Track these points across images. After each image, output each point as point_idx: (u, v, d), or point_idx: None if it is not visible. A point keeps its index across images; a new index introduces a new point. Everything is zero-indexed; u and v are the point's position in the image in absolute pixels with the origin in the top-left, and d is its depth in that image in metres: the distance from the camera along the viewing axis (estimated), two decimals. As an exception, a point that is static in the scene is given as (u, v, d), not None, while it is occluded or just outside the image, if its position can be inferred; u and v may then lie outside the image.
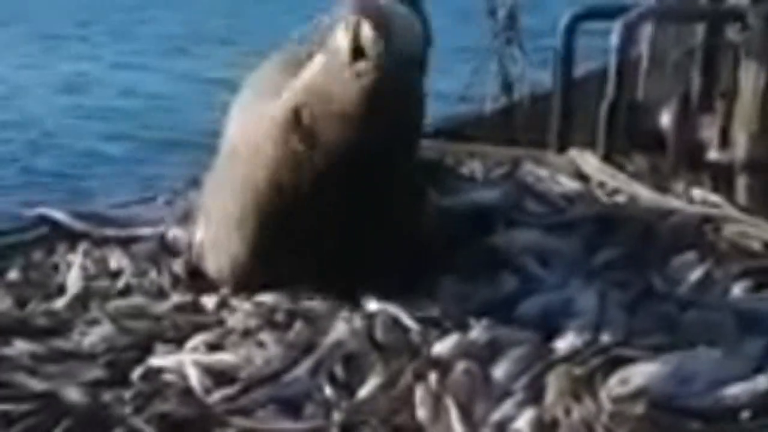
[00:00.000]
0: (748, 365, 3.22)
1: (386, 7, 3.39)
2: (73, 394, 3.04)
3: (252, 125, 3.82)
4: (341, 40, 3.35)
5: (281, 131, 3.58)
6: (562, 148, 5.57)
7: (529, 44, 7.32)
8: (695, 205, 4.64)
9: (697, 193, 4.80)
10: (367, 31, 3.29)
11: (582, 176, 5.04)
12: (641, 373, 3.09)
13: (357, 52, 3.31)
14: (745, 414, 3.00)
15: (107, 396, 3.05)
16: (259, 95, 4.02)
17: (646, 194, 4.75)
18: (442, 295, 3.68)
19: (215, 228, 3.87)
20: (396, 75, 3.34)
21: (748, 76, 5.15)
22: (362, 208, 3.54)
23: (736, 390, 3.09)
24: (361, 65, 3.31)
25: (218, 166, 4.08)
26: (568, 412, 2.93)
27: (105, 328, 3.49)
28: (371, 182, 3.52)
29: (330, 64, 3.45)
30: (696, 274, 3.85)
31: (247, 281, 3.71)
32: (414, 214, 3.78)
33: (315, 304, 3.56)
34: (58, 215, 4.54)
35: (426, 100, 3.69)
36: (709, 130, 5.28)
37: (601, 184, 4.92)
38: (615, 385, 3.05)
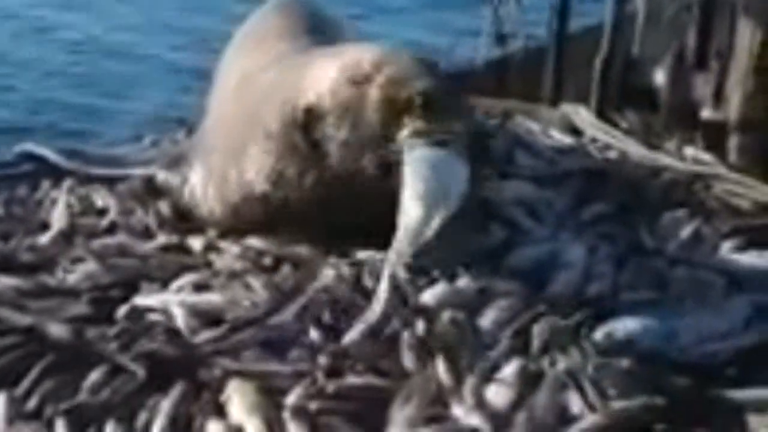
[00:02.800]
0: (734, 322, 3.23)
1: None
2: (57, 329, 3.03)
3: (250, 91, 3.75)
4: None
5: (285, 125, 3.49)
6: (555, 102, 5.53)
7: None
8: (686, 162, 4.62)
9: (689, 151, 4.79)
10: None
11: (574, 130, 5.01)
12: (627, 326, 3.09)
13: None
14: (730, 369, 3.01)
15: (91, 333, 3.04)
16: (258, 51, 3.98)
17: (637, 150, 4.73)
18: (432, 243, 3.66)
19: (211, 174, 3.81)
20: None
21: (744, 35, 5.09)
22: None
23: (721, 345, 3.11)
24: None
25: (215, 111, 4.02)
26: (553, 363, 2.93)
27: (90, 266, 3.48)
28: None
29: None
30: (685, 231, 3.85)
31: (240, 228, 3.68)
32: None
33: (303, 250, 3.54)
34: (43, 151, 4.49)
35: None
36: (703, 89, 5.23)
37: (593, 139, 4.90)
38: (601, 337, 3.05)
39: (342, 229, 3.51)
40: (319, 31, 4.06)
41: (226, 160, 3.71)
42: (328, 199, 3.47)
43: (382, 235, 3.19)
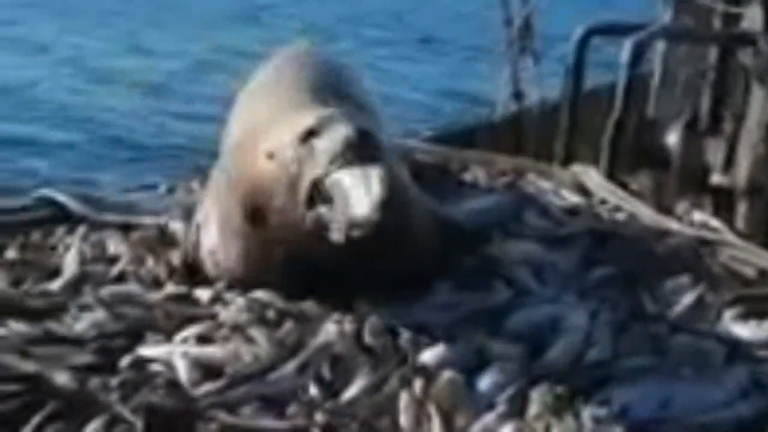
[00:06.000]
0: (732, 392, 3.23)
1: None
2: (61, 377, 3.07)
3: (248, 161, 3.76)
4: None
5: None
6: (567, 161, 5.58)
7: (540, 49, 7.29)
8: (694, 227, 4.64)
9: (697, 215, 4.81)
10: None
11: (584, 191, 5.05)
12: (623, 393, 3.11)
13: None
14: (725, 441, 3.02)
15: (94, 382, 3.08)
16: (261, 101, 4.06)
17: (646, 213, 4.76)
18: (434, 302, 3.71)
19: (214, 231, 3.88)
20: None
21: (756, 101, 5.15)
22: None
23: (717, 416, 3.12)
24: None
25: (221, 169, 4.09)
26: (548, 428, 2.94)
27: (97, 314, 3.52)
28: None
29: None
30: (688, 298, 3.86)
31: (236, 277, 3.74)
32: (409, 222, 3.78)
33: (307, 305, 3.58)
34: (60, 197, 4.57)
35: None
36: (714, 153, 5.28)
37: (603, 201, 4.93)
38: (597, 404, 3.06)
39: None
40: (330, 86, 4.13)
41: (225, 214, 3.78)
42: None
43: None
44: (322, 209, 3.36)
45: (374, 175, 3.28)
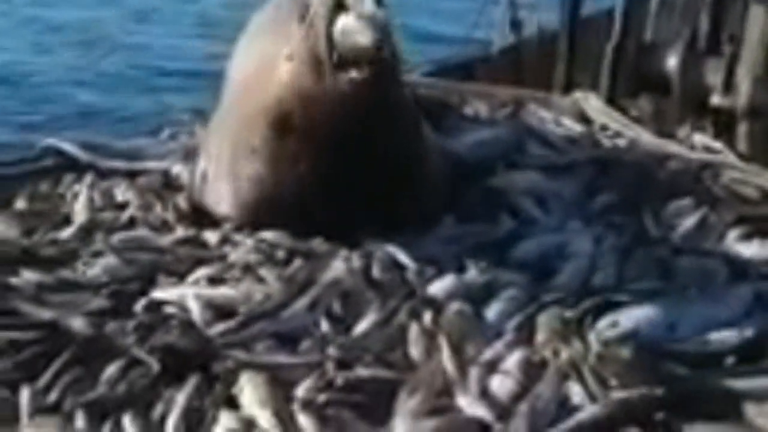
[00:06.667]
0: (737, 311, 3.28)
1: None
2: (77, 323, 3.13)
3: (255, 80, 3.86)
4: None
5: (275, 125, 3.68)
6: (567, 90, 5.57)
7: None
8: (695, 150, 4.66)
9: (698, 138, 4.83)
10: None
11: (585, 119, 5.06)
12: (630, 316, 3.16)
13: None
14: (730, 359, 3.07)
15: (110, 326, 3.14)
16: (267, 36, 4.04)
17: (647, 138, 4.78)
18: (440, 235, 3.75)
19: (216, 164, 3.92)
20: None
21: (756, 21, 5.11)
22: (362, 157, 3.59)
23: (722, 335, 3.16)
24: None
25: (222, 104, 4.11)
26: (556, 353, 3.00)
27: (109, 260, 3.57)
28: (368, 142, 3.60)
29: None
30: (691, 220, 3.91)
31: (245, 218, 3.78)
32: (413, 156, 3.82)
33: (315, 243, 3.63)
34: (65, 146, 4.60)
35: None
36: (714, 75, 5.25)
37: (604, 127, 4.94)
38: (604, 328, 3.12)
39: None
40: None
41: (235, 150, 3.81)
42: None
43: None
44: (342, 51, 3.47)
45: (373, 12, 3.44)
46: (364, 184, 3.62)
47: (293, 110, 3.65)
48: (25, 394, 2.80)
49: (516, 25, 6.84)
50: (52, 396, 2.81)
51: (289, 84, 3.65)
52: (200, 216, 3.96)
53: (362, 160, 3.60)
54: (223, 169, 3.91)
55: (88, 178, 4.32)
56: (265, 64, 3.82)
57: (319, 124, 3.61)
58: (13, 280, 3.40)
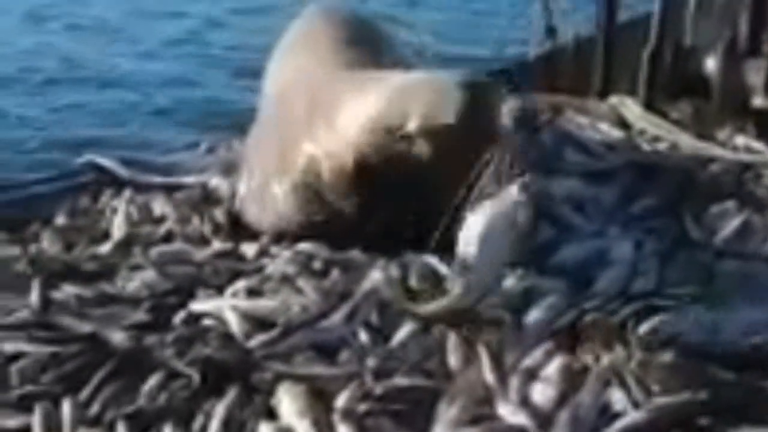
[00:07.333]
0: (780, 314, 3.23)
1: None
2: (117, 336, 3.16)
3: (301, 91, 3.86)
4: None
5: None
6: (603, 95, 5.52)
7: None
8: (737, 152, 4.60)
9: (740, 140, 4.76)
10: None
11: (623, 124, 5.01)
12: (672, 321, 3.12)
13: None
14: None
15: (150, 339, 3.16)
16: (301, 51, 4.08)
17: (687, 141, 4.73)
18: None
19: (258, 180, 3.93)
20: None
21: (797, 21, 5.04)
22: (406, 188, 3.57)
23: (766, 339, 3.11)
24: None
25: (263, 119, 4.13)
26: (597, 359, 2.96)
27: (148, 274, 3.60)
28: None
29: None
30: (734, 223, 3.85)
31: (283, 233, 3.79)
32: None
33: (352, 253, 3.63)
34: (104, 162, 4.66)
35: None
36: (755, 76, 5.18)
37: (642, 132, 4.90)
38: (646, 333, 3.08)
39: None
40: (364, 41, 4.16)
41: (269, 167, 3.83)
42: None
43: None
44: None
45: None
46: (408, 214, 3.59)
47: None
48: (66, 407, 2.82)
49: (551, 31, 6.80)
50: (94, 408, 2.83)
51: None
52: (238, 229, 3.98)
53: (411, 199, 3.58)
54: (262, 184, 3.92)
55: (127, 193, 4.37)
56: (300, 79, 3.83)
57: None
58: (55, 295, 3.44)
